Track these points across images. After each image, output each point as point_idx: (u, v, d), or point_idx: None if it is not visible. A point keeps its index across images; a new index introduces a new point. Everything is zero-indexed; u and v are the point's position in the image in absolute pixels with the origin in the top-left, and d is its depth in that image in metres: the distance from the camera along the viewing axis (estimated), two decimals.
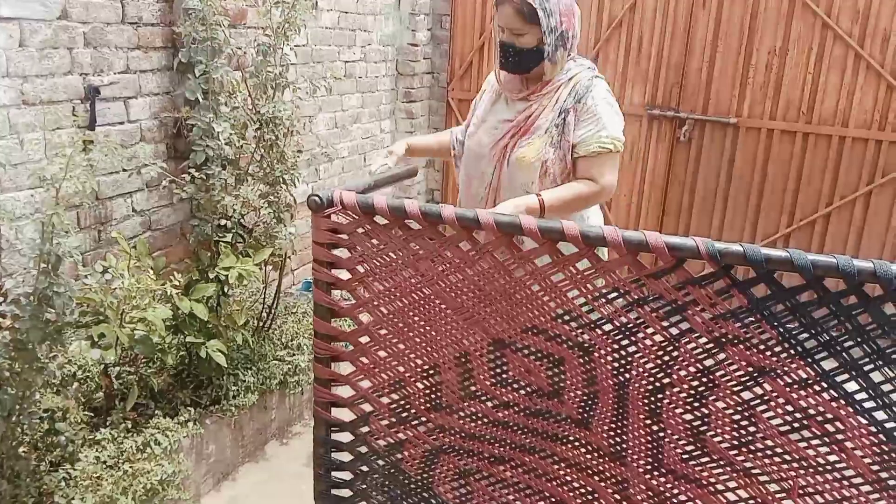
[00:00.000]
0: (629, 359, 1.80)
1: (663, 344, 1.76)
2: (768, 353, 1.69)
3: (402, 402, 2.08)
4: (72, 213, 2.78)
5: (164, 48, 3.14)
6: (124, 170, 3.03)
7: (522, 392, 1.94)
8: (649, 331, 1.76)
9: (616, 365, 1.81)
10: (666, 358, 1.77)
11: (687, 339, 1.74)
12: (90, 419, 2.51)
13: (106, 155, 2.69)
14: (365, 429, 2.14)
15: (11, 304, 1.96)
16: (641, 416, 1.85)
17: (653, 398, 1.82)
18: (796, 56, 4.40)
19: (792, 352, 1.67)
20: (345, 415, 2.16)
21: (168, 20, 3.13)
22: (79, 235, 2.83)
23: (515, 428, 1.99)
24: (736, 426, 1.78)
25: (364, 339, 2.06)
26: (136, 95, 3.05)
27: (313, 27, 4.16)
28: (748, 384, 1.73)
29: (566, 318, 1.82)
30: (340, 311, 2.07)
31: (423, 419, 2.08)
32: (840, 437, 1.71)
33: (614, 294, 1.76)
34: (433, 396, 2.04)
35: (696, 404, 1.79)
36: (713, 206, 4.78)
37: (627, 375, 1.81)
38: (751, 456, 1.79)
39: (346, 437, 2.18)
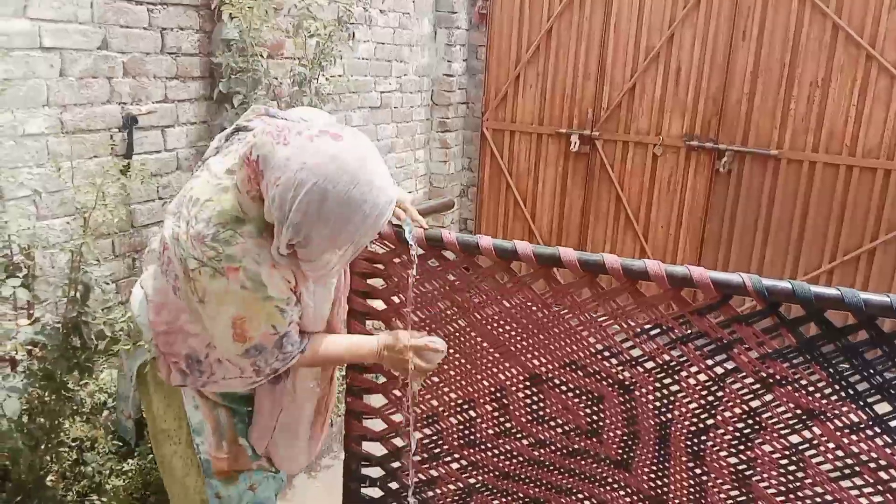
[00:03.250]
0: (672, 398, 1.73)
1: (707, 383, 1.69)
2: (818, 395, 1.61)
3: (435, 438, 2.03)
4: (107, 241, 2.79)
5: (201, 78, 3.17)
6: (160, 198, 3.04)
7: (559, 430, 1.88)
8: (693, 369, 1.69)
9: (658, 404, 1.75)
10: (710, 398, 1.70)
11: (732, 379, 1.67)
12: (118, 449, 2.49)
13: (142, 183, 2.70)
14: (396, 464, 2.09)
15: (41, 333, 1.95)
16: (684, 459, 1.77)
17: (696, 440, 1.75)
18: (839, 87, 4.31)
19: (843, 394, 1.60)
20: (376, 449, 2.11)
21: (206, 51, 3.15)
22: (113, 263, 2.84)
23: (552, 468, 1.92)
24: (783, 471, 1.70)
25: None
26: (173, 124, 3.07)
27: (350, 58, 4.18)
28: (796, 427, 1.66)
29: (606, 353, 1.76)
30: None
31: (457, 456, 2.02)
32: (894, 485, 1.62)
33: (656, 330, 1.70)
34: (467, 432, 1.99)
35: (742, 447, 1.72)
36: (753, 240, 4.68)
37: (669, 415, 1.74)
38: (798, 503, 1.71)
39: (376, 472, 2.13)
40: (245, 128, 1.67)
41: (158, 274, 1.63)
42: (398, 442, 2.07)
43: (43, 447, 2.16)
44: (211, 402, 1.73)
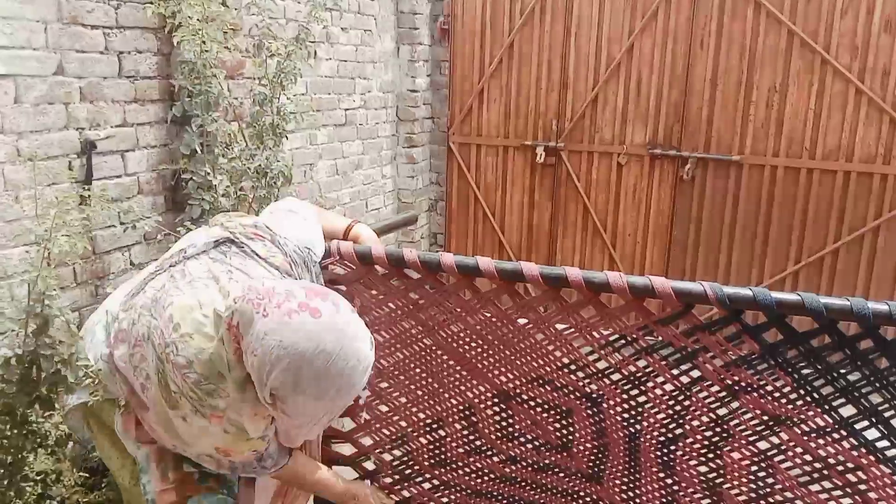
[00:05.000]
0: (639, 409, 1.73)
1: (674, 393, 1.69)
2: (783, 400, 1.62)
3: (405, 459, 2.01)
4: (68, 269, 2.75)
5: (161, 101, 3.13)
6: (121, 223, 2.99)
7: (530, 446, 1.87)
8: (659, 380, 1.69)
9: (626, 416, 1.75)
10: (677, 407, 1.70)
11: (698, 388, 1.67)
12: (85, 480, 2.44)
13: (102, 209, 2.66)
14: None
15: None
16: (654, 469, 1.77)
17: (665, 450, 1.75)
18: (797, 92, 4.38)
19: (808, 399, 1.61)
20: (347, 473, 2.08)
21: (166, 73, 3.12)
22: (75, 291, 2.79)
23: (523, 483, 1.91)
24: (753, 478, 1.71)
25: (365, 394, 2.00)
26: (133, 148, 3.03)
27: (312, 76, 4.16)
28: (764, 433, 1.66)
29: (572, 367, 1.76)
30: None
31: (428, 476, 2.00)
32: (862, 487, 1.63)
33: (622, 342, 1.70)
34: (437, 452, 1.97)
35: (711, 455, 1.72)
36: (719, 245, 4.73)
37: (638, 426, 1.74)
38: None
39: None
40: (236, 241, 1.65)
41: (127, 358, 1.58)
42: (369, 465, 2.04)
43: (5, 483, 2.10)
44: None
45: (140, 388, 1.56)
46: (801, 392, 1.60)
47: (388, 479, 2.03)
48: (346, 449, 2.06)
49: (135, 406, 1.64)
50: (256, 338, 1.38)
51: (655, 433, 1.73)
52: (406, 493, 2.04)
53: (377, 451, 2.02)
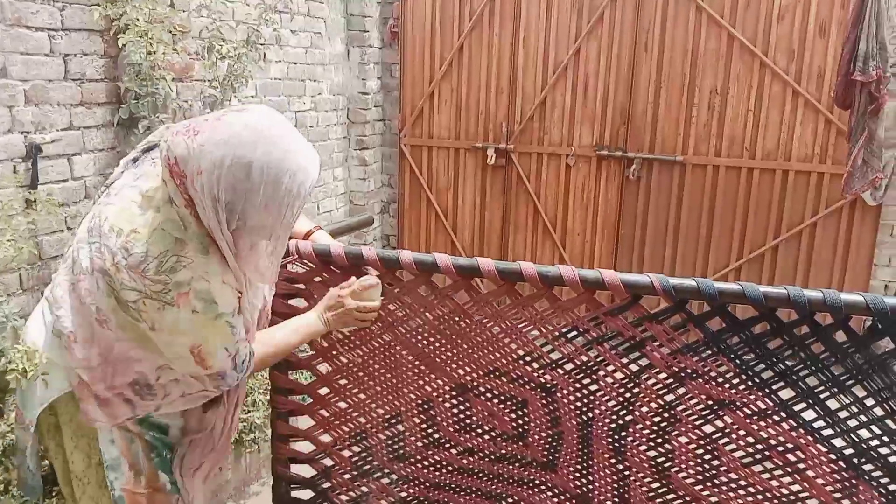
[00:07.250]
0: (591, 397, 1.79)
1: (624, 381, 1.76)
2: (727, 385, 1.70)
3: (364, 455, 2.03)
4: (13, 275, 2.70)
5: (108, 104, 3.09)
6: (68, 228, 2.95)
7: (486, 437, 1.92)
8: (609, 368, 1.76)
9: (579, 404, 1.81)
10: (627, 395, 1.77)
11: (647, 375, 1.74)
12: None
13: (49, 214, 2.62)
14: (326, 485, 2.08)
15: None
16: (606, 455, 1.83)
17: (617, 436, 1.81)
18: (737, 94, 4.53)
19: (749, 383, 1.68)
20: (305, 471, 2.10)
21: (113, 75, 3.09)
22: (21, 298, 2.74)
23: (481, 474, 1.96)
24: (699, 461, 1.78)
25: (323, 391, 2.02)
26: (80, 152, 2.99)
27: (262, 78, 4.16)
28: (709, 417, 1.74)
29: (527, 359, 1.81)
30: (298, 362, 2.02)
31: (387, 471, 2.03)
32: (801, 466, 1.72)
33: (573, 333, 1.76)
34: (396, 447, 2.00)
35: (660, 440, 1.79)
36: (665, 242, 4.86)
37: (590, 414, 1.80)
38: (716, 490, 1.79)
39: (306, 494, 2.12)
40: (156, 146, 1.64)
41: (77, 308, 1.55)
42: (327, 462, 2.06)
43: None
44: (129, 435, 1.66)
45: (99, 325, 1.52)
46: (744, 377, 1.68)
47: (347, 476, 2.05)
48: (305, 446, 2.07)
49: (91, 378, 1.56)
50: (196, 155, 1.36)
51: (607, 420, 1.79)
52: (365, 489, 2.06)
53: (336, 447, 2.04)
